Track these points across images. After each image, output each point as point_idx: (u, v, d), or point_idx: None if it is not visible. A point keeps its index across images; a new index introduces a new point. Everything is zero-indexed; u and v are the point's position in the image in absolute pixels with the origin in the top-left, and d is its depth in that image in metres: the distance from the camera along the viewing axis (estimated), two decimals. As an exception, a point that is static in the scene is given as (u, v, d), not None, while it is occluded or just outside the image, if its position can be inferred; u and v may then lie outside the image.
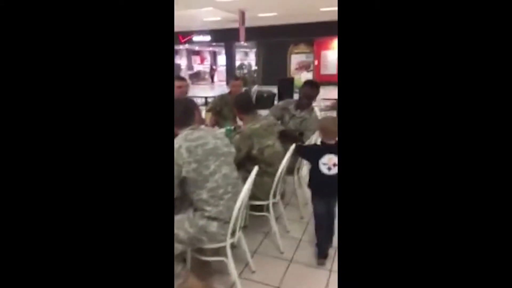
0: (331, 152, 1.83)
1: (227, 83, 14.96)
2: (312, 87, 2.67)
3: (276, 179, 1.96)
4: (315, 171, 1.89)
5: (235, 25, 10.21)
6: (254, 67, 14.38)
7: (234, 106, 2.12)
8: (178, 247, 1.46)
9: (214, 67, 18.58)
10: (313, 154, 1.92)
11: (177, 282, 1.46)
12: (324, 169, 1.84)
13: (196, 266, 1.75)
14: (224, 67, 15.73)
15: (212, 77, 17.74)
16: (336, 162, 1.82)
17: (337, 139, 1.86)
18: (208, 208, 1.47)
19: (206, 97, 7.21)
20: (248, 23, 10.22)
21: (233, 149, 1.67)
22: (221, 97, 3.14)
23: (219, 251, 1.63)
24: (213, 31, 13.02)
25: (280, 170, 1.94)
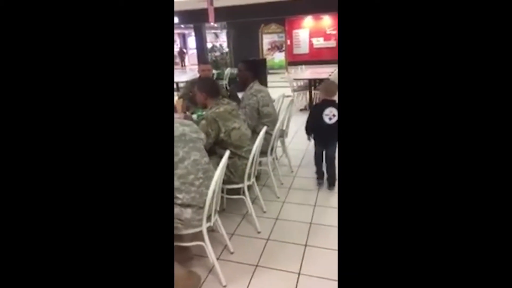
0: (332, 106, 2.46)
1: (199, 67, 14.54)
2: (240, 67, 2.77)
3: (249, 161, 1.99)
4: (318, 121, 2.50)
5: (204, 5, 9.86)
6: (226, 49, 14.04)
7: (199, 91, 2.09)
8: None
9: (184, 50, 18.01)
10: (318, 108, 2.52)
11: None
12: (326, 119, 2.46)
13: (176, 252, 1.77)
14: (195, 50, 15.29)
15: (182, 60, 17.22)
16: (335, 113, 2.45)
17: (336, 96, 2.48)
18: (180, 196, 1.48)
19: (177, 83, 6.89)
20: (216, 3, 9.89)
21: (202, 135, 1.66)
22: (192, 83, 3.08)
23: (197, 236, 1.66)
24: (181, 13, 12.51)
25: (253, 152, 1.96)
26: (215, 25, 12.52)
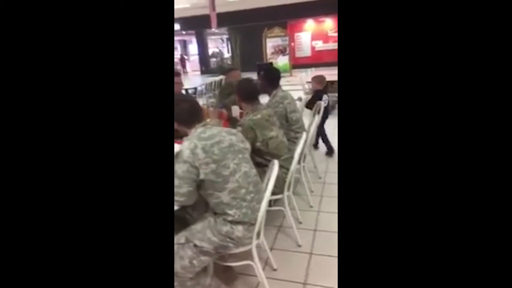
0: (324, 93, 3.62)
1: (202, 73, 14.46)
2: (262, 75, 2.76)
3: (290, 170, 1.86)
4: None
5: (205, 11, 9.79)
6: (227, 55, 13.92)
7: (237, 94, 1.97)
8: (205, 260, 1.34)
9: (185, 56, 17.94)
10: (317, 97, 3.46)
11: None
12: (322, 103, 3.27)
13: (219, 271, 1.64)
14: (197, 56, 15.21)
15: (183, 67, 17.13)
16: (327, 98, 3.57)
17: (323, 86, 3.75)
18: (230, 212, 1.35)
19: (186, 89, 6.80)
20: (219, 9, 9.83)
21: (247, 145, 1.54)
22: (229, 86, 2.95)
23: (243, 254, 1.53)
24: (182, 19, 12.49)
25: (295, 160, 1.84)
26: (216, 30, 12.44)
